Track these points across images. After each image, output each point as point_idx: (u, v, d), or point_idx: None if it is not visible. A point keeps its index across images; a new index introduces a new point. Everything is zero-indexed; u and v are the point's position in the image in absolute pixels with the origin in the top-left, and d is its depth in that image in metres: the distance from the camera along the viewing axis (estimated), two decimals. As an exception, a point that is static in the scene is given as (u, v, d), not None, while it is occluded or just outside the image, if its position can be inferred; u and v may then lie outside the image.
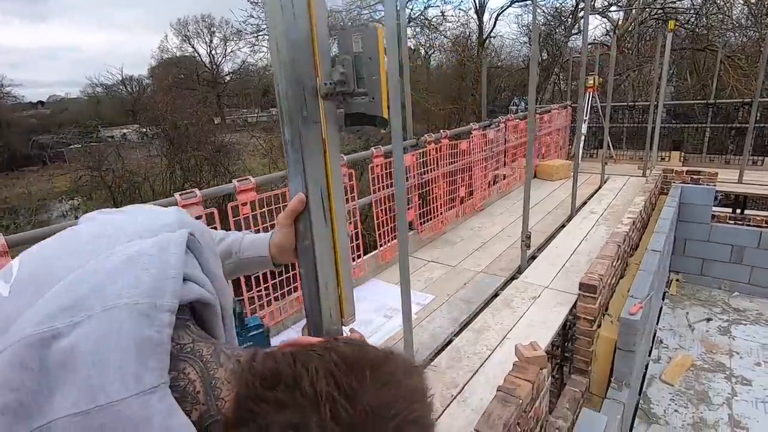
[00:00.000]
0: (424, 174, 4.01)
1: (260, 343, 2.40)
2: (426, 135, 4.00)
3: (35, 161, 20.49)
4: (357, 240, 3.29)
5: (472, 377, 2.26)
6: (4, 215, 15.64)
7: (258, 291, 2.61)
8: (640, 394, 3.77)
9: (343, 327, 0.88)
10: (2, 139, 21.42)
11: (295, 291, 2.89)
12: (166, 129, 14.16)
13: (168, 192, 12.35)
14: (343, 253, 0.84)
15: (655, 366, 4.12)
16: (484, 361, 2.38)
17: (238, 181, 2.44)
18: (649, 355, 4.26)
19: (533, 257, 3.76)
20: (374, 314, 2.94)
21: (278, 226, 0.81)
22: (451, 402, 2.10)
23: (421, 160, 3.94)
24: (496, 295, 3.17)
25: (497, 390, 1.70)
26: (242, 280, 2.56)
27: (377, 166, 3.44)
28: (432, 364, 2.40)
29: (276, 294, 2.73)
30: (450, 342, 2.62)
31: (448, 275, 3.49)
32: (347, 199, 3.16)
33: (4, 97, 23.97)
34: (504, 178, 5.67)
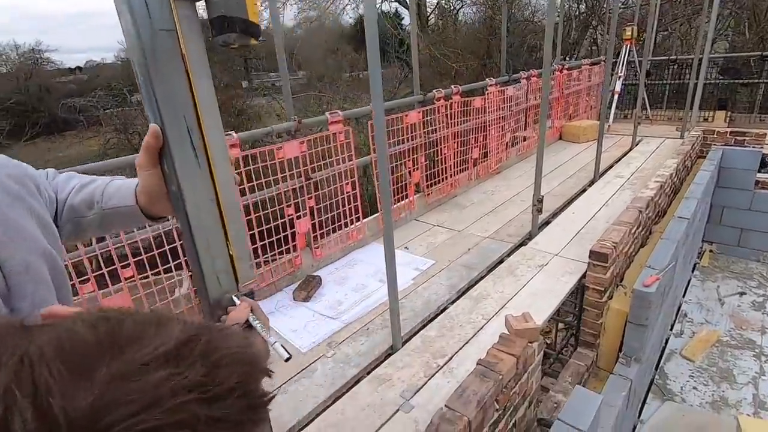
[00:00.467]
0: (432, 133, 3.75)
1: (245, 305, 2.33)
2: (435, 90, 3.71)
3: (74, 125, 21.16)
4: (355, 202, 3.14)
5: (462, 347, 2.13)
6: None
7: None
8: (656, 369, 3.56)
9: (238, 295, 0.73)
10: (43, 104, 22.16)
11: (287, 252, 2.80)
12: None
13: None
14: (228, 200, 0.68)
15: (677, 341, 3.87)
16: (478, 331, 2.23)
17: (218, 137, 2.30)
18: (671, 329, 4.00)
19: (546, 223, 3.51)
20: (370, 279, 2.82)
21: (137, 167, 0.66)
22: (437, 372, 1.98)
23: (429, 117, 3.67)
24: (501, 261, 2.97)
25: (477, 363, 1.56)
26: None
27: (378, 123, 3.21)
28: (421, 332, 2.27)
29: (266, 256, 2.64)
30: (444, 309, 2.48)
31: (453, 240, 3.31)
32: (344, 159, 2.99)
33: (44, 63, 24.62)
34: (524, 140, 5.31)
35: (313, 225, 2.91)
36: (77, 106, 19.31)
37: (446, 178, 4.00)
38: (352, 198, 3.11)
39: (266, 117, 14.76)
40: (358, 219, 3.22)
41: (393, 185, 3.48)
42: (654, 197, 3.24)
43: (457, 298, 2.58)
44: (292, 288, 2.75)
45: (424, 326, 2.33)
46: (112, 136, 13.05)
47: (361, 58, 14.11)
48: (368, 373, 2.04)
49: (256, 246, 2.55)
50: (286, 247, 2.78)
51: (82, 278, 1.91)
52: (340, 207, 3.06)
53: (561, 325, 5.26)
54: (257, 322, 0.66)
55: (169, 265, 2.22)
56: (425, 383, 1.91)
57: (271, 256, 2.68)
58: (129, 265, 2.05)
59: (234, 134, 2.36)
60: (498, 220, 3.60)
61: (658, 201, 3.49)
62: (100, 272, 1.98)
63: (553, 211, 3.71)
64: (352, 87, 14.08)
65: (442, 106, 3.76)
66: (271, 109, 15.52)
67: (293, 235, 2.79)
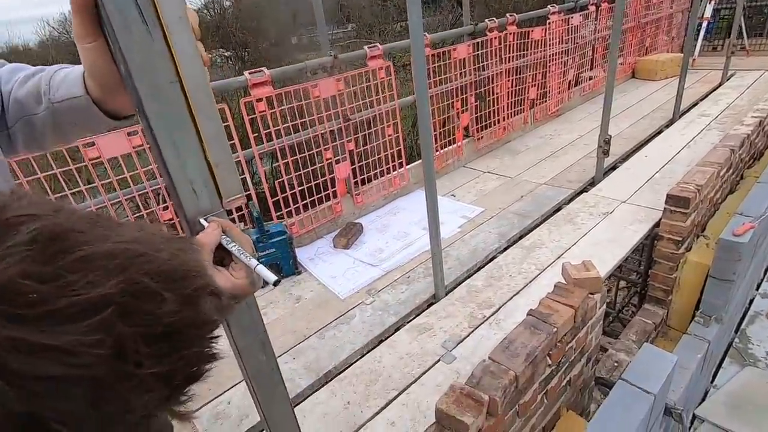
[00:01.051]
0: (483, 70, 3.39)
1: (283, 250, 2.28)
2: (487, 20, 3.31)
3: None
4: (397, 146, 2.94)
5: (511, 298, 1.95)
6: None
7: (284, 196, 2.44)
8: (736, 332, 3.17)
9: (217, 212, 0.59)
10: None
11: (327, 199, 2.70)
12: (239, 51, 14.21)
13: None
14: (197, 84, 0.53)
15: (763, 301, 3.41)
16: (530, 282, 2.03)
17: (249, 74, 2.17)
18: (757, 289, 3.53)
19: (613, 168, 3.12)
20: (413, 226, 2.67)
21: (75, 40, 0.51)
22: (482, 323, 1.82)
23: (480, 52, 3.30)
24: (558, 209, 2.69)
25: (527, 314, 1.38)
26: (265, 185, 2.40)
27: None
28: (467, 282, 2.11)
29: (305, 201, 2.55)
30: (492, 259, 2.28)
31: (505, 187, 3.04)
32: (384, 98, 2.76)
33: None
34: (590, 80, 4.73)
35: (354, 170, 2.76)
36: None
37: (499, 121, 3.66)
38: (394, 142, 2.91)
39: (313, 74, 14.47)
40: (401, 165, 3.03)
41: (439, 128, 3.22)
42: (750, 135, 2.73)
43: (508, 247, 2.37)
44: (332, 235, 2.66)
45: (469, 276, 2.16)
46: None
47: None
48: (408, 322, 1.93)
49: (294, 191, 2.46)
50: (326, 193, 2.67)
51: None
52: (382, 151, 2.88)
53: (622, 284, 4.89)
54: (233, 245, 0.52)
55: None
56: (469, 334, 1.77)
57: (311, 201, 2.59)
58: (167, 206, 2.04)
59: (265, 70, 2.21)
60: (556, 165, 3.26)
61: (755, 140, 2.96)
62: (139, 213, 1.98)
63: (622, 155, 3.29)
64: (402, 36, 13.38)
65: (495, 38, 3.36)
66: (321, 66, 15.23)
67: (333, 180, 2.67)
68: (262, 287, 0.54)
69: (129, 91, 0.51)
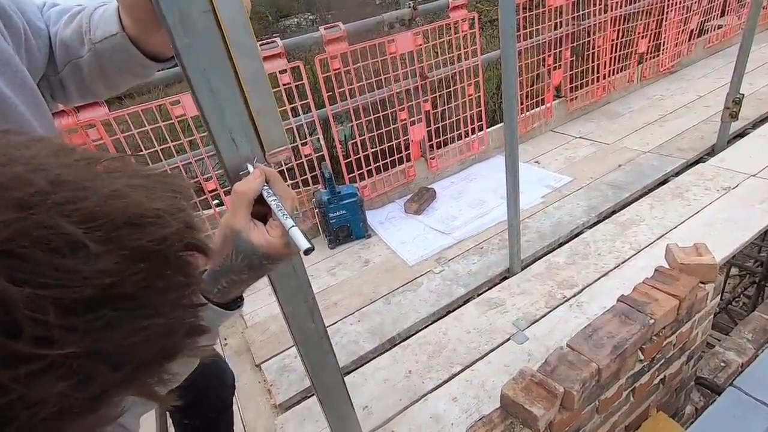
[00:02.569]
0: (583, 19, 2.96)
1: (353, 213, 2.26)
2: (593, -41, 2.85)
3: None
4: (478, 107, 2.72)
5: (598, 279, 1.74)
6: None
7: (356, 157, 2.40)
8: None
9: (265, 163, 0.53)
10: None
11: (400, 162, 2.61)
12: (327, 13, 14.23)
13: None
14: (240, 28, 0.45)
15: None
16: (622, 263, 1.79)
17: (324, 29, 2.09)
18: None
19: (741, 134, 2.61)
20: (491, 194, 2.49)
21: None
22: (561, 304, 1.66)
23: (581, -3, 2.88)
24: (664, 182, 2.33)
25: (618, 300, 1.20)
26: (338, 145, 2.37)
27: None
28: (547, 257, 1.92)
29: (378, 164, 2.49)
30: (579, 234, 2.05)
31: (599, 154, 2.70)
32: (466, 54, 2.54)
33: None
34: (719, 28, 3.96)
35: (429, 133, 2.62)
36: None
37: (597, 79, 3.22)
38: (474, 102, 2.70)
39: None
40: (480, 128, 2.82)
41: (527, 88, 2.92)
42: None
43: (598, 222, 2.11)
44: (404, 200, 2.59)
45: (551, 251, 1.97)
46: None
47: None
48: (478, 295, 1.82)
49: (366, 153, 2.41)
50: (399, 156, 2.58)
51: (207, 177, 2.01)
52: (461, 113, 2.68)
53: (734, 270, 4.25)
54: (273, 198, 0.45)
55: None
56: (545, 314, 1.62)
57: (383, 164, 2.52)
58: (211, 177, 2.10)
59: (341, 25, 2.12)
60: (665, 131, 2.81)
61: None
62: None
63: (754, 119, 2.73)
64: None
65: (601, -20, 2.90)
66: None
67: (407, 143, 2.56)
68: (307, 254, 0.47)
69: (163, 26, 0.45)
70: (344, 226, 2.28)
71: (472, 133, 2.80)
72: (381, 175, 2.55)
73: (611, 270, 1.77)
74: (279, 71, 2.03)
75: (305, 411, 1.45)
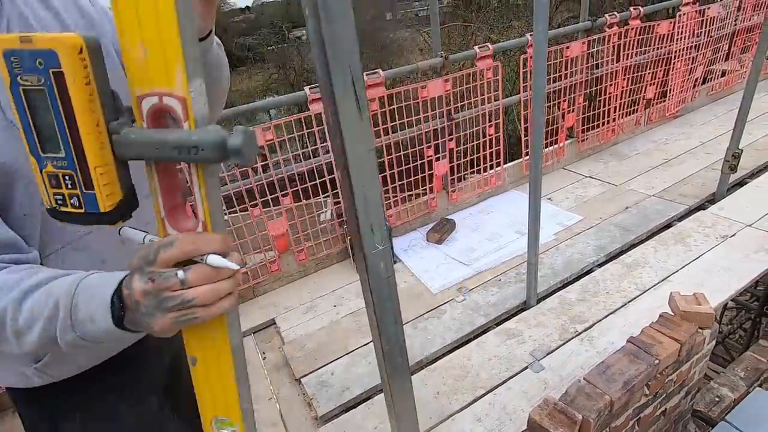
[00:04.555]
0: (597, 68, 3.21)
1: (381, 241, 2.45)
2: (607, 15, 3.11)
3: (244, 62, 23.98)
4: (497, 146, 2.94)
5: (606, 317, 1.93)
6: (225, 107, 19.40)
7: (386, 189, 2.61)
8: None
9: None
10: (222, 42, 25.48)
11: (424, 194, 2.82)
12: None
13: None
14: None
15: None
16: (628, 303, 1.99)
17: (366, 75, 2.32)
18: None
19: (740, 183, 2.83)
20: (506, 229, 2.69)
21: None
22: (573, 338, 1.85)
23: (595, 49, 3.13)
24: (668, 226, 2.53)
25: (627, 341, 1.39)
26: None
27: (530, 57, 2.85)
28: (560, 293, 2.12)
29: (404, 195, 2.70)
30: (589, 272, 2.25)
31: (607, 195, 2.91)
32: (489, 98, 2.78)
33: (222, 4, 27.99)
34: (722, 75, 4.21)
35: (452, 168, 2.84)
36: (247, 45, 21.70)
37: (607, 122, 3.46)
38: (494, 141, 2.92)
39: (408, 52, 14.52)
40: (498, 164, 3.03)
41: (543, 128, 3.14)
42: None
43: (606, 261, 2.31)
44: (425, 229, 2.79)
45: (563, 287, 2.17)
46: (273, 71, 14.43)
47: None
48: (497, 325, 2.01)
49: (395, 185, 2.62)
50: (423, 188, 2.79)
51: (253, 203, 2.22)
52: (481, 150, 2.91)
53: (732, 303, 4.42)
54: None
55: (319, 196, 2.43)
56: (559, 347, 1.81)
57: (408, 195, 2.73)
58: (287, 194, 2.31)
59: (380, 72, 2.35)
60: (669, 175, 3.03)
61: None
62: (264, 198, 2.26)
63: (752, 169, 2.95)
64: (500, 14, 12.76)
65: (614, 34, 3.15)
66: (414, 42, 15.19)
67: (431, 176, 2.77)
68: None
69: (337, 158, 0.66)
70: (372, 253, 2.48)
71: (491, 169, 3.02)
72: (406, 205, 2.76)
73: (618, 308, 1.96)
74: (323, 112, 2.25)
75: (344, 423, 1.63)
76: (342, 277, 2.49)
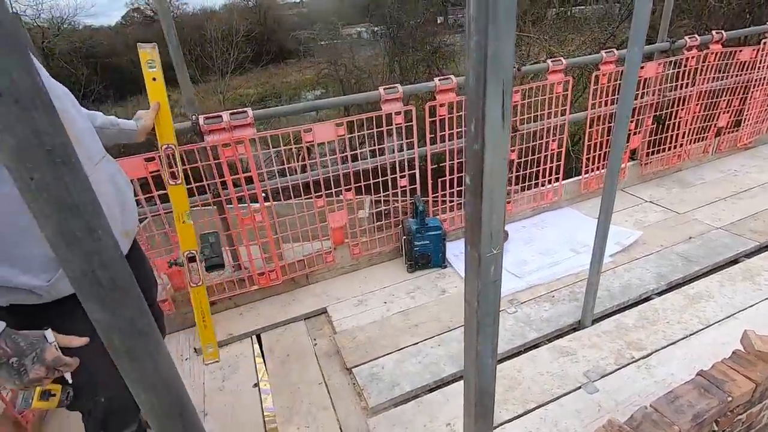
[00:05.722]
0: (670, 91, 3.11)
1: (436, 244, 2.49)
2: (687, 38, 3.01)
3: (294, 55, 24.54)
4: (558, 161, 2.91)
5: (666, 347, 1.88)
6: (271, 98, 19.91)
7: (443, 194, 2.64)
8: None
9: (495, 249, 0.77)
10: (274, 34, 26.20)
11: (478, 202, 2.82)
12: (392, 28, 14.78)
13: (385, 90, 13.28)
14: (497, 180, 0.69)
15: None
16: (690, 335, 1.93)
17: (439, 80, 2.36)
18: None
19: (818, 225, 2.67)
20: (561, 245, 2.66)
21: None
22: (630, 363, 1.81)
23: (671, 71, 3.03)
24: (735, 261, 2.43)
25: (698, 374, 1.36)
26: (429, 181, 2.62)
27: (604, 75, 2.81)
28: (616, 316, 2.08)
29: (460, 201, 2.72)
30: (647, 299, 2.20)
31: (669, 223, 2.82)
32: (556, 113, 2.75)
33: (277, -2, 28.77)
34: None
35: (509, 179, 2.83)
36: (299, 38, 22.17)
37: (674, 147, 3.34)
38: (555, 156, 2.89)
39: (458, 57, 14.44)
40: (557, 179, 3.00)
41: (605, 147, 3.08)
42: None
43: (667, 290, 2.25)
44: (477, 237, 2.79)
45: (619, 311, 2.13)
46: (324, 67, 14.69)
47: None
48: (549, 341, 2.00)
49: (452, 190, 2.64)
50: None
51: (318, 194, 2.30)
52: (541, 164, 2.88)
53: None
54: None
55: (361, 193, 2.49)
56: (615, 371, 1.78)
57: (464, 202, 2.74)
58: (350, 189, 2.38)
59: (453, 78, 2.38)
60: (738, 208, 2.90)
61: None
62: (329, 191, 2.34)
63: (833, 211, 2.78)
64: (558, 27, 12.47)
65: (692, 57, 3.04)
66: (463, 48, 15.09)
67: (488, 185, 2.77)
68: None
69: (472, 163, 0.70)
70: (425, 254, 2.51)
71: (548, 183, 2.99)
72: (460, 212, 2.77)
73: (679, 340, 1.91)
74: (395, 112, 2.31)
75: (394, 418, 1.68)
76: (393, 276, 2.54)
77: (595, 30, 10.83)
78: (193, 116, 1.96)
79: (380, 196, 2.51)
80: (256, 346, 2.16)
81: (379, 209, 2.66)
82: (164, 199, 1.88)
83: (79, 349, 1.00)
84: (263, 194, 2.19)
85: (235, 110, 2.02)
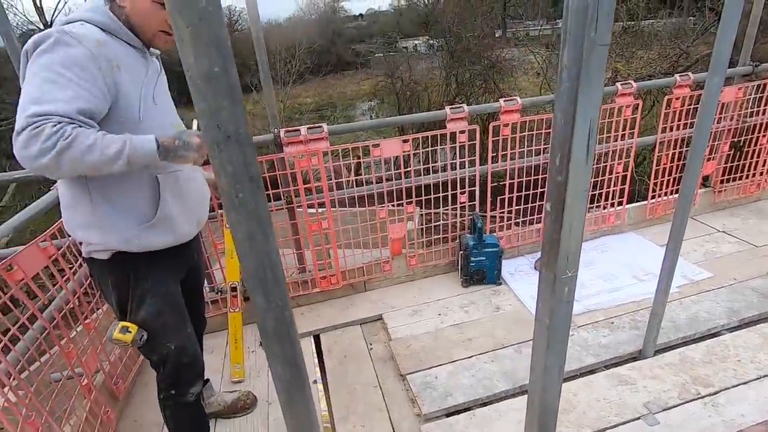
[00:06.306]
0: (750, 116, 2.95)
1: (492, 260, 2.52)
2: (774, 61, 2.85)
3: (352, 66, 25.29)
4: (622, 185, 2.85)
5: (736, 386, 1.79)
6: (327, 108, 20.62)
7: (501, 212, 2.67)
8: None
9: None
10: (334, 46, 27.19)
11: (538, 222, 2.82)
12: (450, 42, 14.89)
13: (441, 104, 13.37)
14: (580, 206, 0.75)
15: None
16: (764, 377, 1.83)
17: (504, 101, 2.41)
18: None
19: None
20: (623, 271, 2.60)
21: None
22: (695, 399, 1.75)
23: (752, 96, 2.88)
24: (819, 302, 2.26)
25: (771, 416, 1.31)
26: (488, 199, 2.66)
27: (677, 99, 2.73)
28: (681, 349, 2.01)
29: (518, 219, 2.73)
30: (716, 335, 2.10)
31: (744, 255, 2.66)
32: (623, 136, 2.71)
33: (338, 11, 29.89)
34: None
35: (570, 200, 2.80)
36: (358, 51, 22.85)
37: (753, 175, 3.15)
38: (620, 180, 2.83)
39: (521, 72, 14.22)
40: (620, 203, 2.93)
41: (675, 173, 2.97)
42: None
43: (739, 327, 2.13)
44: (532, 256, 2.80)
45: (685, 343, 2.05)
46: (381, 79, 15.04)
47: (641, 5, 11.63)
48: (606, 368, 1.97)
49: (510, 209, 2.67)
50: (539, 216, 2.80)
51: (381, 205, 2.42)
52: (604, 187, 2.83)
53: None
54: None
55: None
56: (678, 405, 1.73)
57: (522, 220, 2.75)
58: (411, 202, 2.48)
59: (518, 99, 2.43)
60: (827, 245, 2.68)
61: None
62: (391, 203, 2.45)
63: None
64: (626, 42, 11.96)
65: (778, 82, 2.88)
66: (521, 62, 14.85)
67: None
68: None
69: (554, 192, 0.76)
70: (480, 270, 2.55)
71: (611, 207, 2.92)
72: (517, 230, 2.78)
73: (752, 380, 1.81)
74: (459, 131, 2.39)
75: (448, 426, 1.73)
76: (447, 289, 2.59)
77: (666, 46, 10.30)
78: (275, 129, 2.15)
79: (439, 211, 2.59)
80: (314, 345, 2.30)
81: (436, 223, 2.73)
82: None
83: (156, 305, 1.31)
84: (330, 203, 2.34)
85: (312, 125, 2.19)
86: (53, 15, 13.63)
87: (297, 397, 0.62)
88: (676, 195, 3.08)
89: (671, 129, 2.82)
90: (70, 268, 1.64)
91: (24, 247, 1.42)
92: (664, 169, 2.92)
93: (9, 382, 1.20)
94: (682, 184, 1.71)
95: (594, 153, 0.73)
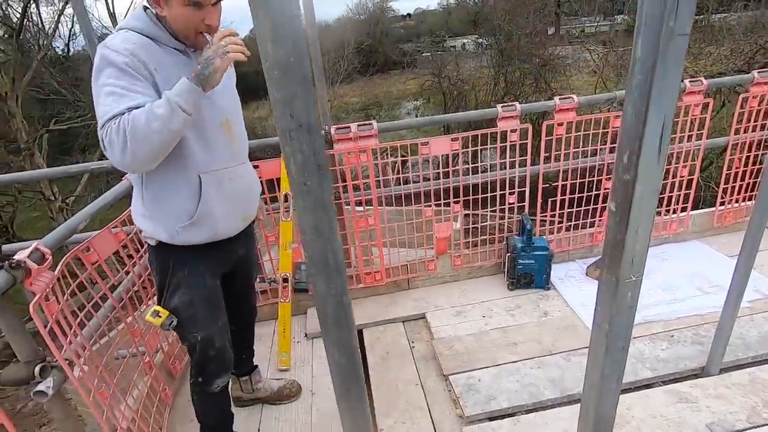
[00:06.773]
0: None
1: (540, 264, 2.44)
2: None
3: (398, 66, 25.35)
4: (687, 189, 2.66)
5: (816, 413, 1.63)
6: (373, 107, 20.82)
7: (552, 214, 2.58)
8: None
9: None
10: (381, 46, 27.37)
11: (591, 226, 2.70)
12: (500, 40, 14.53)
13: (489, 103, 13.10)
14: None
15: None
16: None
17: (559, 99, 2.32)
18: None
19: None
20: (685, 282, 2.43)
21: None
22: (766, 425, 1.61)
23: None
24: None
25: None
26: (539, 200, 2.57)
27: (754, 98, 2.51)
28: (751, 369, 1.85)
29: (569, 223, 2.63)
30: (794, 355, 1.91)
31: (829, 271, 2.41)
32: (689, 137, 2.53)
33: (386, 11, 30.07)
34: None
35: (628, 204, 2.65)
36: (405, 50, 22.86)
37: (842, 182, 2.83)
38: (685, 184, 2.65)
39: (575, 70, 13.64)
40: (684, 209, 2.74)
41: (749, 178, 2.73)
42: None
43: (821, 349, 1.93)
44: (583, 261, 2.68)
45: (757, 363, 1.89)
46: (428, 78, 14.96)
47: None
48: (664, 383, 1.85)
49: (562, 212, 2.57)
50: (592, 220, 2.67)
51: (428, 204, 2.41)
52: (667, 191, 2.66)
53: None
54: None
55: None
56: (746, 429, 1.59)
57: (574, 224, 2.64)
58: (459, 201, 2.45)
59: (575, 97, 2.33)
60: None
61: None
62: (438, 202, 2.44)
63: None
64: (694, 37, 11.11)
65: None
66: (575, 60, 14.21)
67: (603, 209, 2.64)
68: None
69: (620, 191, 0.73)
70: (528, 274, 2.48)
71: (673, 213, 2.74)
72: (569, 234, 2.68)
73: (836, 408, 1.64)
74: (510, 130, 2.33)
75: (491, 431, 1.69)
76: (492, 291, 2.54)
77: (740, 41, 9.48)
78: (326, 126, 2.20)
79: (485, 212, 2.54)
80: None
81: (483, 224, 2.68)
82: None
83: (189, 295, 1.39)
84: (377, 200, 2.36)
85: (361, 122, 2.22)
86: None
87: (352, 384, 0.63)
88: (750, 202, 2.85)
89: (745, 130, 2.60)
90: (137, 253, 1.76)
91: (98, 231, 1.55)
92: (736, 173, 2.70)
93: (84, 354, 1.31)
94: (760, 190, 1.57)
95: (666, 152, 0.69)
